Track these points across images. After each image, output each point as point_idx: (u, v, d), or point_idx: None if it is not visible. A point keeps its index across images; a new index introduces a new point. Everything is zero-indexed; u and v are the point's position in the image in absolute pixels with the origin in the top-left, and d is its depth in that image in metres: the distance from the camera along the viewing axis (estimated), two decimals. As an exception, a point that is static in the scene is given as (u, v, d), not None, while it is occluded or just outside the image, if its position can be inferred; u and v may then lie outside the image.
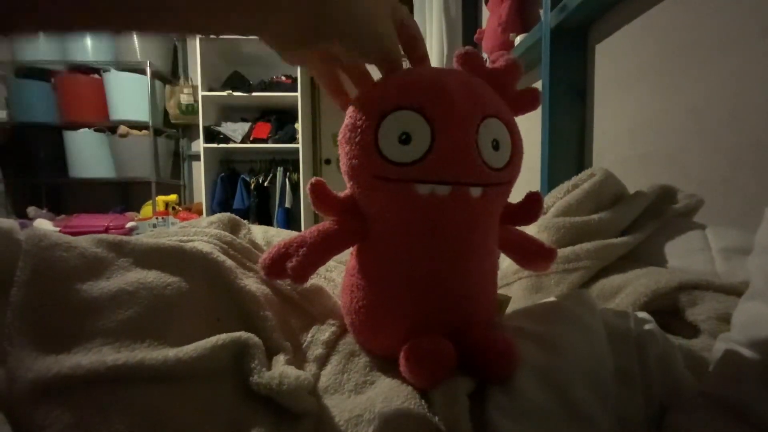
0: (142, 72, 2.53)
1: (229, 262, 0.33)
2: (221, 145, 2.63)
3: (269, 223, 2.75)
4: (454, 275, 0.30)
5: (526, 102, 0.33)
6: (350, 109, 0.30)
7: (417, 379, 0.27)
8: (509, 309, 0.40)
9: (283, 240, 0.31)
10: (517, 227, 0.36)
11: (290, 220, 2.82)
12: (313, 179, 0.32)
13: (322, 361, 0.31)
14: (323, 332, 0.33)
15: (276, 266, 0.30)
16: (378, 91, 0.30)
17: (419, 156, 0.27)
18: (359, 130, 0.28)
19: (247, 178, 2.82)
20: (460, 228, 0.29)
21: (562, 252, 0.44)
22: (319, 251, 0.30)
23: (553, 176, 0.95)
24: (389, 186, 0.28)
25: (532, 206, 0.34)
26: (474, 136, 0.27)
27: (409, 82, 0.29)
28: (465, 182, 0.28)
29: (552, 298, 0.36)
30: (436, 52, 1.63)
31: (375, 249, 0.32)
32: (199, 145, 2.61)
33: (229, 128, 2.68)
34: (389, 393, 0.27)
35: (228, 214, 0.44)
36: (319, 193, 0.31)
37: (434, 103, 0.27)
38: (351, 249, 0.34)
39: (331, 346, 0.33)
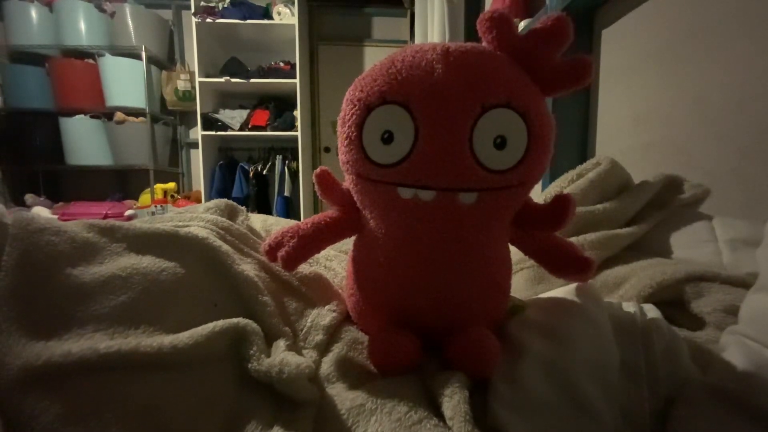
0: (138, 57, 2.48)
1: (226, 247, 0.32)
2: (219, 133, 2.60)
3: (268, 212, 2.74)
4: (437, 281, 0.29)
5: (570, 76, 0.26)
6: (346, 94, 0.28)
7: (374, 366, 0.28)
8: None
9: (283, 228, 0.32)
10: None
11: (289, 209, 2.81)
12: (318, 168, 0.31)
13: (323, 348, 0.31)
14: (323, 317, 0.33)
15: (273, 253, 0.32)
16: (368, 79, 0.26)
17: (401, 157, 0.25)
18: (347, 124, 0.26)
19: (246, 167, 2.79)
20: (446, 236, 0.27)
21: (566, 241, 0.43)
22: (309, 242, 0.31)
23: (556, 165, 0.93)
24: (373, 186, 0.27)
25: (557, 211, 0.28)
26: (466, 134, 0.24)
27: (397, 71, 0.25)
28: (452, 188, 0.25)
29: (556, 290, 0.35)
30: (438, 38, 1.60)
31: (366, 241, 0.31)
32: (197, 133, 2.58)
33: (227, 115, 2.64)
34: (392, 382, 0.26)
35: (225, 200, 0.43)
36: (324, 182, 0.31)
37: (419, 97, 0.24)
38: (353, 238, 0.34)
39: (332, 332, 0.32)
